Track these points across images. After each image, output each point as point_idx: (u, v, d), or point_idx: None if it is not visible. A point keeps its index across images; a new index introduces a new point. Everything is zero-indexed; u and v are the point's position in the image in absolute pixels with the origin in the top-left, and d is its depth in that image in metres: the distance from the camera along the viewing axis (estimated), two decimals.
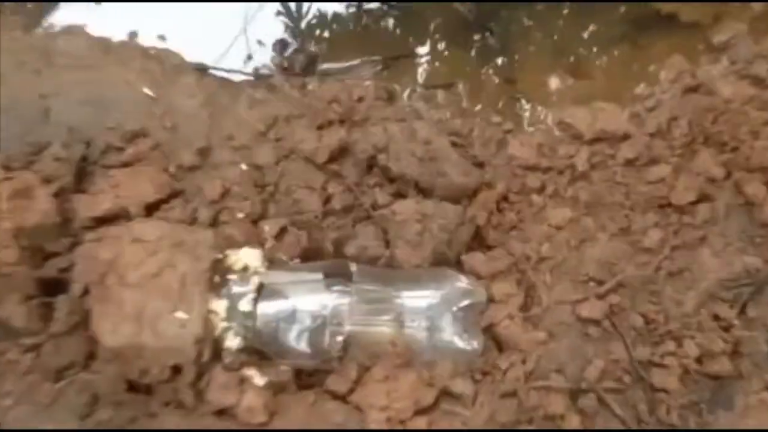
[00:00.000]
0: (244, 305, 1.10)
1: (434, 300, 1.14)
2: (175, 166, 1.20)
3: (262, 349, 1.11)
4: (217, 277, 1.10)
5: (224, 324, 1.09)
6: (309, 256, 1.18)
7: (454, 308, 1.14)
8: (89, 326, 1.08)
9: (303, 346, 1.11)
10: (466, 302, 1.14)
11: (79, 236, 1.13)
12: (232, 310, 1.10)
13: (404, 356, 1.11)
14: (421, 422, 1.07)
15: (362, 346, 1.12)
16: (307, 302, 1.12)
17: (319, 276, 1.14)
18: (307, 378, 1.14)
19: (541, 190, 1.23)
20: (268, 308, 1.11)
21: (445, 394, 1.10)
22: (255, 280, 1.12)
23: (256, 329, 1.10)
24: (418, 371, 1.10)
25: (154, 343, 1.05)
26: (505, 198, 1.22)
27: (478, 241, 1.20)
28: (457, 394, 1.09)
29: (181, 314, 1.05)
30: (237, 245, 1.13)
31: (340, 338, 1.11)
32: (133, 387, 1.08)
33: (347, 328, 1.11)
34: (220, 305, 1.09)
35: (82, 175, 1.18)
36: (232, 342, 1.09)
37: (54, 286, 1.14)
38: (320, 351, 1.11)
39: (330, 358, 1.12)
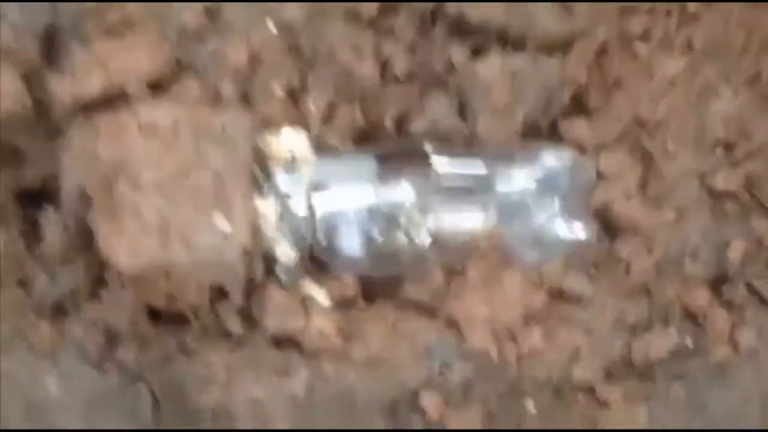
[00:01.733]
0: (297, 206, 0.87)
1: (531, 182, 0.91)
2: (176, 32, 0.92)
3: (321, 259, 0.88)
4: (259, 170, 0.86)
5: (275, 231, 0.86)
6: (366, 137, 0.94)
7: (558, 190, 0.92)
8: (94, 247, 0.85)
9: (369, 252, 0.88)
10: (571, 182, 0.92)
11: (63, 130, 0.87)
12: (282, 213, 0.86)
13: (503, 254, 0.89)
14: (534, 333, 0.86)
15: (446, 246, 0.90)
16: (370, 197, 0.89)
17: (382, 162, 0.91)
18: (380, 288, 0.92)
19: (645, 36, 0.99)
20: (323, 207, 0.88)
21: (558, 295, 0.89)
22: (306, 172, 0.88)
23: (314, 236, 0.87)
24: (522, 270, 0.88)
25: (188, 260, 0.81)
26: (604, 50, 0.98)
27: (575, 105, 0.97)
28: (574, 294, 0.88)
29: (221, 222, 0.82)
30: (276, 129, 0.89)
31: (417, 239, 0.88)
32: (159, 318, 0.85)
33: (425, 225, 0.89)
34: (267, 207, 0.85)
35: (52, 50, 0.91)
36: (287, 253, 0.86)
37: (40, 201, 0.89)
38: (392, 257, 0.89)
39: (405, 265, 0.90)
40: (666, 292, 0.87)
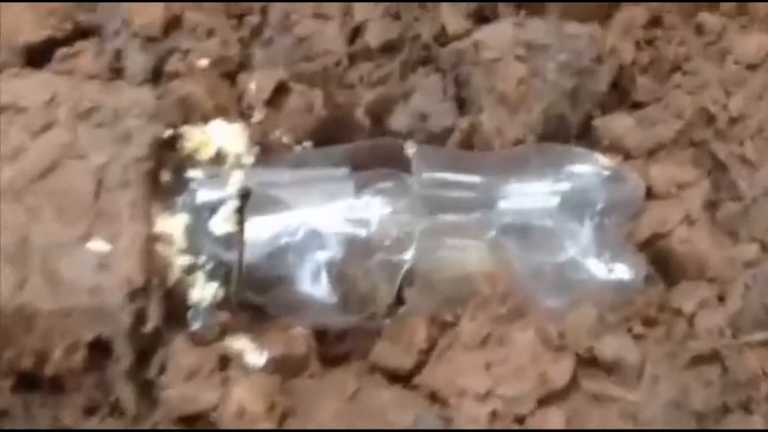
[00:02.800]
0: (220, 224, 0.62)
1: (555, 199, 0.66)
2: None
3: (255, 301, 0.64)
4: (167, 173, 0.62)
5: (185, 259, 0.62)
6: (329, 134, 0.70)
7: (591, 211, 0.66)
8: None
9: (325, 291, 0.63)
10: (609, 199, 0.66)
11: None
12: (197, 234, 0.61)
13: (511, 299, 0.64)
14: (552, 417, 0.61)
15: (434, 286, 0.65)
16: (329, 215, 0.64)
17: (350, 169, 0.66)
18: (337, 344, 0.68)
19: (715, 4, 0.74)
20: (261, 229, 0.63)
21: (589, 363, 0.63)
22: (237, 179, 0.64)
23: (244, 266, 0.63)
24: (537, 325, 0.63)
25: (52, 300, 0.57)
26: (657, 21, 0.73)
27: (619, 95, 0.72)
28: (611, 362, 0.63)
29: (98, 244, 0.57)
30: (201, 117, 0.64)
31: (392, 276, 0.64)
32: (27, 381, 0.61)
33: (407, 255, 0.64)
34: (175, 225, 0.61)
35: None
36: (203, 291, 0.62)
37: None
38: (359, 298, 0.65)
39: (376, 310, 0.65)
40: (746, 361, 0.62)
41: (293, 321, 0.64)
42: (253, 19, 0.68)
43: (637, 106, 0.70)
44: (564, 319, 0.63)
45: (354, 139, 0.69)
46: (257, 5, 0.68)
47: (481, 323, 0.62)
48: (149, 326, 0.57)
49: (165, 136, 0.60)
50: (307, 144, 0.68)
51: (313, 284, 0.64)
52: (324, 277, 0.63)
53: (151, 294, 0.57)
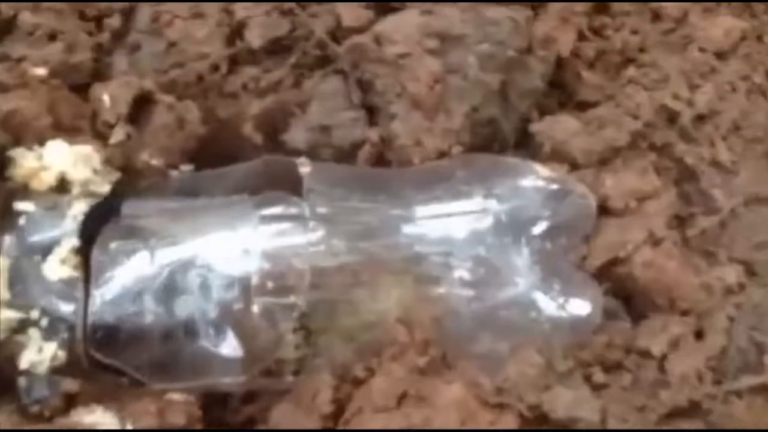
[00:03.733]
0: (56, 268, 0.49)
1: (486, 220, 0.55)
2: None
3: (112, 363, 0.52)
4: None
5: (11, 314, 0.49)
6: (214, 155, 0.58)
7: (532, 233, 0.54)
8: None
9: (214, 344, 0.50)
10: (553, 219, 0.54)
11: None
12: (27, 282, 0.49)
13: (432, 347, 0.52)
14: None
15: (342, 333, 0.53)
16: (208, 248, 0.51)
17: (233, 197, 0.54)
18: (230, 414, 0.55)
19: None
20: (117, 270, 0.50)
21: (535, 422, 0.51)
22: (79, 211, 0.51)
23: (94, 320, 0.50)
24: (468, 377, 0.51)
25: None
26: (604, 6, 0.62)
27: (561, 94, 0.61)
28: (563, 421, 0.50)
29: None
30: (36, 138, 0.52)
31: (284, 320, 0.51)
32: None
33: (305, 297, 0.52)
34: None
35: None
36: (39, 353, 0.49)
37: None
38: (254, 353, 0.52)
39: (276, 367, 0.53)
40: (734, 414, 0.49)
41: (163, 385, 0.52)
42: (114, 22, 0.57)
43: (583, 106, 0.59)
44: (502, 368, 0.51)
45: (243, 160, 0.58)
46: (119, 5, 0.58)
47: (397, 378, 0.50)
48: None
49: None
50: (185, 167, 0.57)
51: (192, 336, 0.52)
52: (206, 327, 0.52)
53: None
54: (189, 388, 0.53)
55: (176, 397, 0.53)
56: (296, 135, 0.58)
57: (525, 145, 0.58)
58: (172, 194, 0.56)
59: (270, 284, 0.51)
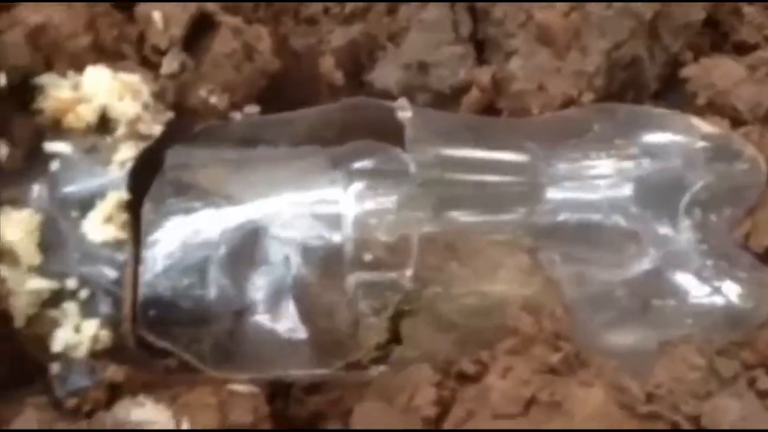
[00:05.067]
0: (99, 228, 0.40)
1: (627, 185, 0.45)
2: None
3: (166, 346, 0.43)
4: (9, 146, 0.39)
5: (41, 283, 0.40)
6: (283, 94, 0.48)
7: (686, 202, 0.44)
8: None
9: (284, 326, 0.42)
10: (713, 185, 0.43)
11: None
12: (62, 244, 0.40)
13: (565, 340, 0.43)
14: None
15: (446, 319, 0.43)
16: (282, 212, 0.42)
17: (311, 147, 0.45)
18: (303, 405, 0.46)
19: None
20: (172, 234, 0.41)
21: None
22: (128, 156, 0.42)
23: (144, 293, 0.41)
24: (610, 379, 0.41)
25: None
26: None
27: (712, 33, 0.51)
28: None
29: None
30: (71, 61, 0.42)
31: (385, 301, 0.43)
32: None
33: (403, 273, 0.43)
34: (20, 228, 0.38)
35: None
36: (76, 333, 0.40)
37: None
38: (331, 337, 0.43)
39: (358, 354, 0.44)
40: None
41: (227, 375, 0.43)
42: None
43: (741, 48, 0.50)
44: (650, 369, 0.42)
45: (319, 102, 0.49)
46: None
47: (522, 378, 0.41)
48: None
49: (2, 85, 0.39)
50: (251, 109, 0.48)
51: (261, 317, 0.43)
52: (279, 305, 0.43)
53: None
54: (255, 377, 0.45)
55: (240, 388, 0.44)
56: (386, 74, 0.49)
57: (667, 94, 0.49)
58: (232, 143, 0.48)
59: (368, 256, 0.42)
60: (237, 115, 0.48)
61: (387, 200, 0.43)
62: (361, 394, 0.45)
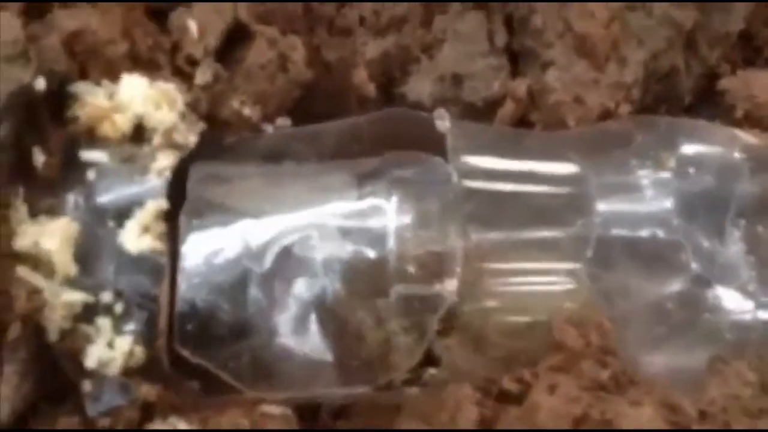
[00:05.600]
0: (136, 239, 0.39)
1: (665, 199, 0.43)
2: None
3: (200, 363, 0.41)
4: (45, 153, 0.38)
5: (75, 296, 0.38)
6: (315, 106, 0.48)
7: (731, 214, 0.42)
8: None
9: (315, 346, 0.40)
10: (759, 196, 0.42)
11: None
12: (97, 254, 0.38)
13: (613, 356, 0.41)
14: None
15: (488, 339, 0.42)
16: (317, 225, 0.41)
17: (351, 163, 0.43)
18: (332, 423, 0.44)
19: None
20: (206, 249, 0.40)
21: None
22: (166, 166, 0.40)
23: (180, 308, 0.39)
24: (662, 396, 0.39)
25: None
26: None
27: (746, 49, 0.51)
28: None
29: None
30: (107, 69, 0.41)
31: (425, 318, 0.41)
32: None
33: (446, 287, 0.41)
34: (56, 238, 0.36)
35: None
36: (110, 349, 0.38)
37: None
38: (366, 356, 0.42)
39: (393, 374, 0.42)
40: None
41: (263, 394, 0.42)
42: None
43: None
44: (702, 386, 0.41)
45: (350, 115, 0.48)
46: None
47: (570, 395, 0.40)
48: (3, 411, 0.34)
49: (41, 91, 0.38)
50: (283, 121, 0.47)
51: (296, 337, 0.41)
52: (311, 324, 0.41)
53: (9, 354, 0.35)
54: (289, 397, 0.43)
55: (272, 409, 0.42)
56: (419, 87, 0.48)
57: (701, 108, 0.49)
58: (265, 155, 0.46)
59: (411, 268, 0.40)
60: (269, 127, 0.48)
61: (430, 211, 0.42)
62: (391, 418, 0.44)
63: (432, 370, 0.43)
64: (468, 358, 0.43)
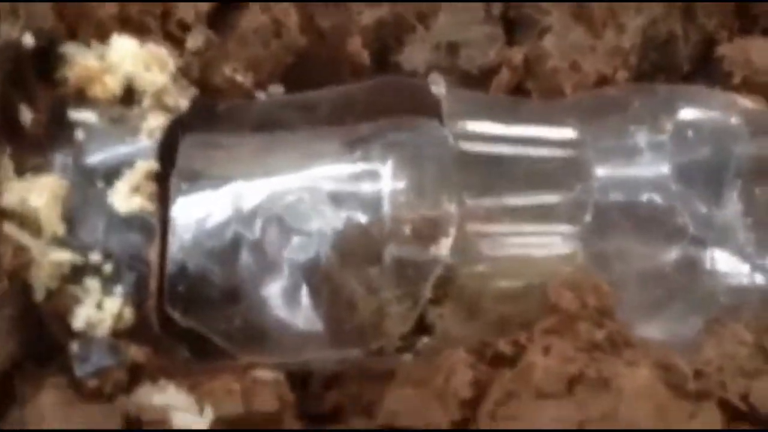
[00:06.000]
0: (126, 199, 0.38)
1: (662, 165, 0.41)
2: None
3: (190, 327, 0.40)
4: (32, 111, 0.37)
5: (64, 255, 0.37)
6: (308, 74, 0.47)
7: (729, 178, 0.41)
8: None
9: (305, 312, 0.39)
10: (757, 159, 0.41)
11: None
12: (87, 214, 0.37)
13: (609, 317, 0.41)
14: None
15: (482, 304, 0.42)
16: (308, 188, 0.40)
17: (344, 129, 0.43)
18: (326, 394, 0.44)
19: None
20: (196, 211, 0.39)
21: (742, 416, 0.40)
22: (156, 126, 0.39)
23: (170, 269, 0.39)
24: (657, 358, 0.38)
25: None
26: None
27: (742, 19, 0.50)
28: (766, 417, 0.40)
29: None
30: (97, 30, 0.40)
31: (419, 283, 0.40)
32: None
33: (439, 251, 0.40)
34: (44, 196, 0.35)
35: None
36: (98, 310, 0.38)
37: None
38: (357, 323, 0.41)
39: (385, 341, 0.41)
40: None
41: (254, 359, 0.41)
42: None
43: None
44: (698, 348, 0.40)
45: (344, 83, 0.47)
46: None
47: (565, 355, 0.39)
48: None
49: (28, 48, 0.37)
50: (276, 89, 0.47)
51: (286, 301, 0.41)
52: (302, 290, 0.41)
53: None
54: (280, 364, 0.42)
55: (264, 375, 0.41)
56: (414, 55, 0.47)
57: (698, 76, 0.48)
58: (258, 122, 0.45)
59: (406, 230, 0.40)
60: (261, 95, 0.47)
61: (425, 175, 0.41)
62: (383, 384, 0.43)
63: (425, 339, 0.43)
64: (462, 325, 0.42)
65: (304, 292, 0.41)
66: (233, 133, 0.45)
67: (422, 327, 0.42)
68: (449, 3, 0.47)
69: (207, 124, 0.44)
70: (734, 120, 0.43)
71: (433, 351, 0.42)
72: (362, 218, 0.41)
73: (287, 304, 0.41)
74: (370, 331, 0.42)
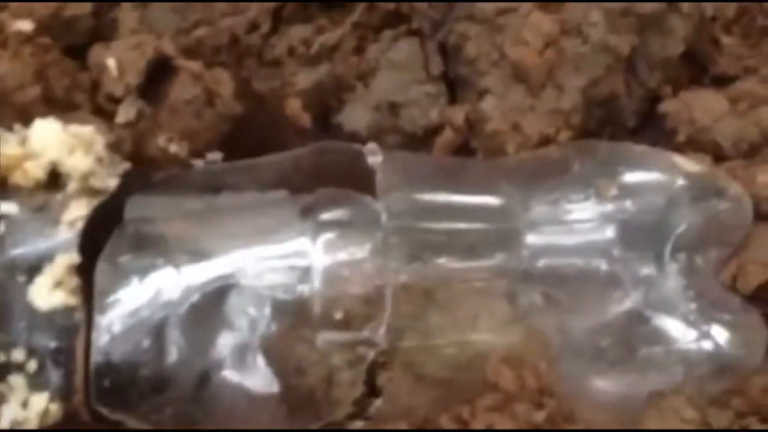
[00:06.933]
0: (46, 294, 0.36)
1: (610, 227, 0.42)
2: None
3: (122, 420, 0.38)
4: None
5: None
6: (248, 141, 0.45)
7: (669, 244, 0.40)
8: None
9: (256, 382, 0.38)
10: (698, 225, 0.40)
11: None
12: (7, 312, 0.35)
13: (549, 396, 0.40)
14: None
15: (425, 373, 0.40)
16: (254, 266, 0.39)
17: (275, 195, 0.42)
18: None
19: None
20: (122, 301, 0.37)
21: None
22: (79, 214, 0.38)
23: (96, 363, 0.37)
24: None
25: None
26: None
27: (689, 66, 0.49)
28: None
29: None
30: (19, 114, 0.39)
31: (357, 360, 0.39)
32: None
33: (376, 330, 0.39)
34: None
35: None
36: (25, 408, 0.35)
37: None
38: (304, 393, 0.39)
39: (332, 413, 0.40)
40: None
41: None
42: None
43: (720, 81, 0.47)
44: (639, 419, 0.39)
45: (286, 147, 0.46)
46: None
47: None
48: None
49: None
50: (214, 156, 0.45)
51: (232, 376, 0.39)
52: (249, 364, 0.39)
53: None
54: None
55: None
56: (355, 116, 0.46)
57: (646, 130, 0.46)
58: (195, 191, 0.44)
59: (338, 314, 0.39)
60: (199, 163, 0.46)
61: (358, 251, 0.40)
62: None
63: (376, 402, 0.42)
64: (410, 392, 0.41)
65: (251, 367, 0.40)
66: (171, 204, 0.43)
67: (373, 390, 0.42)
68: (388, 62, 0.45)
69: (145, 196, 0.43)
70: (676, 184, 0.42)
71: (384, 417, 0.42)
72: (304, 292, 0.40)
73: (233, 382, 0.40)
74: (322, 399, 0.41)
